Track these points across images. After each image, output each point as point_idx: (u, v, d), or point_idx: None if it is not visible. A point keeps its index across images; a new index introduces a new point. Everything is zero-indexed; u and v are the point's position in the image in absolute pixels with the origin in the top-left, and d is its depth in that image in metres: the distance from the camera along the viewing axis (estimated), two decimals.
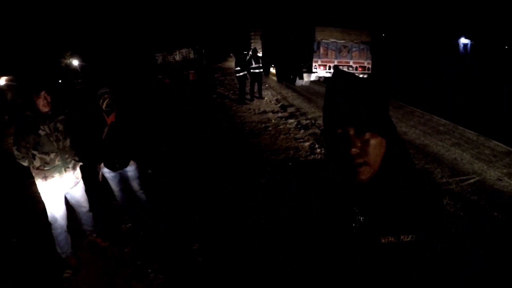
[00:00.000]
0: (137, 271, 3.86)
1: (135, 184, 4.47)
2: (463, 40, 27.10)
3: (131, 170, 4.36)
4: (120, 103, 4.24)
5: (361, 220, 1.16)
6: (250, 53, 13.80)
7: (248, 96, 13.49)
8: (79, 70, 24.57)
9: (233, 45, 29.26)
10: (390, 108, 1.21)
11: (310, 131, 8.55)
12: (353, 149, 1.08)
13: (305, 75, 15.23)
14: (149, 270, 3.84)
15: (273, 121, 9.82)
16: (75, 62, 26.28)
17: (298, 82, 15.96)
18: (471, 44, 26.83)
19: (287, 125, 9.17)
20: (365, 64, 15.15)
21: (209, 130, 9.09)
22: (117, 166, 4.24)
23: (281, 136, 8.22)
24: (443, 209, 1.30)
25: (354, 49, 14.78)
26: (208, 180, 5.98)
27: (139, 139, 4.42)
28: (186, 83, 16.78)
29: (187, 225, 4.69)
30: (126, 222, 4.73)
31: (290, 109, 11.32)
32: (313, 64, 14.64)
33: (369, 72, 15.20)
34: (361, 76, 14.71)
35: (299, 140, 7.81)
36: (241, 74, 13.15)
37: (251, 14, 29.64)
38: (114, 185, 4.43)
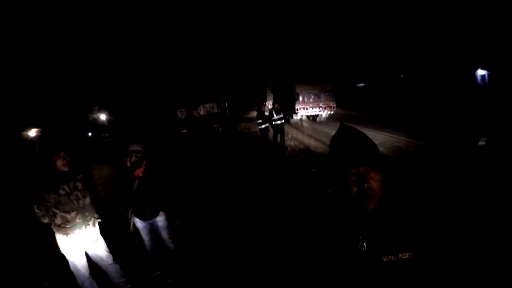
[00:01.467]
0: None
1: (164, 234, 4.76)
2: (480, 72, 27.24)
3: (160, 220, 4.67)
4: (148, 157, 4.56)
5: (365, 245, 1.47)
6: (270, 105, 14.32)
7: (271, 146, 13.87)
8: (107, 124, 25.63)
9: (252, 99, 31.84)
10: None
11: None
12: (366, 185, 1.45)
13: (294, 115, 22.40)
14: None
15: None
16: (103, 117, 27.34)
17: (291, 120, 23.27)
18: (488, 75, 26.86)
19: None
20: (331, 105, 21.75)
21: (233, 182, 9.36)
22: (147, 216, 4.55)
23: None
24: (439, 227, 1.59)
25: (322, 95, 21.50)
26: (233, 232, 6.22)
27: (167, 191, 4.74)
28: (211, 135, 17.40)
29: (213, 272, 4.88)
30: (155, 270, 4.94)
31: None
32: (296, 108, 21.46)
33: (334, 109, 21.97)
34: (328, 112, 20.53)
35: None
36: (263, 126, 13.55)
37: (264, 76, 34.24)
38: (144, 234, 4.71)
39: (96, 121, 27.16)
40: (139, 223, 4.63)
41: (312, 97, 21.36)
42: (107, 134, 21.18)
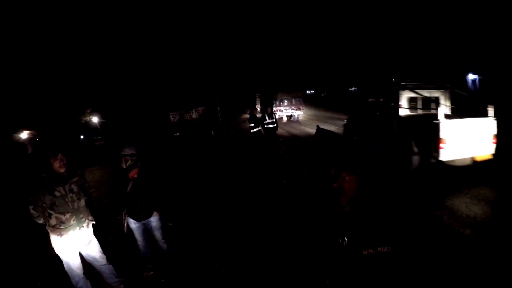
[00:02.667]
0: None
1: (157, 234, 4.85)
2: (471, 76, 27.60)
3: (154, 221, 4.76)
4: (142, 160, 4.65)
5: (346, 239, 1.59)
6: (262, 109, 14.33)
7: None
8: (99, 127, 25.53)
9: (252, 99, 33.03)
10: None
11: None
12: (335, 184, 1.58)
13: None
14: None
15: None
16: (95, 119, 27.21)
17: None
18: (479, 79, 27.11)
19: None
20: (300, 107, 26.73)
21: (229, 185, 9.42)
22: (141, 216, 4.64)
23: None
24: (418, 223, 1.73)
25: (293, 100, 26.49)
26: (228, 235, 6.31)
27: (161, 193, 4.85)
28: (204, 139, 17.48)
29: (206, 273, 4.97)
30: (148, 270, 5.02)
31: None
32: (274, 109, 25.02)
33: (303, 110, 27.11)
34: (299, 113, 25.18)
35: None
36: (255, 130, 13.56)
37: (264, 76, 36.56)
38: (138, 235, 4.80)
39: (88, 124, 27.01)
40: (133, 224, 4.71)
41: (286, 101, 26.82)
42: (99, 137, 21.12)
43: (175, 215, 7.09)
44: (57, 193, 3.85)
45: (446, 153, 7.80)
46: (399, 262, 1.69)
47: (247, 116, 18.74)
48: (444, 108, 8.89)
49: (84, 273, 4.24)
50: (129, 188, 4.54)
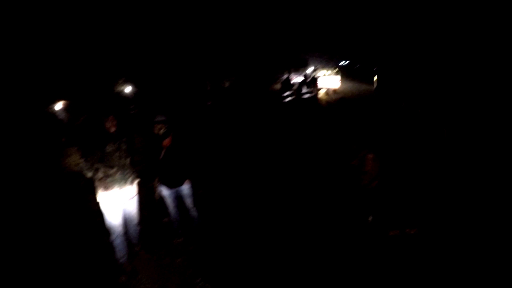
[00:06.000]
0: (188, 280, 4.27)
1: (188, 202, 4.95)
2: None
3: (186, 188, 4.84)
4: (175, 128, 4.74)
5: (370, 219, 1.55)
6: (301, 79, 13.91)
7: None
8: (132, 96, 25.86)
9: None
10: None
11: None
12: (355, 161, 1.54)
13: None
14: (199, 279, 4.23)
15: None
16: (129, 89, 27.61)
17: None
18: None
19: None
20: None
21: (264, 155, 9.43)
22: (173, 184, 4.74)
23: None
24: (449, 206, 1.67)
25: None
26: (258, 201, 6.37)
27: (193, 161, 4.92)
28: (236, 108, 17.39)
29: (234, 240, 5.07)
30: (178, 236, 5.14)
31: None
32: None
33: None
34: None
35: None
36: (288, 99, 13.29)
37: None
38: (169, 202, 4.90)
39: (121, 94, 27.48)
40: (164, 191, 4.82)
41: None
42: (132, 106, 21.45)
43: (206, 182, 7.20)
44: (107, 149, 4.19)
45: None
46: (426, 245, 1.61)
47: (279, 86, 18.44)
48: None
49: (123, 233, 4.47)
50: (161, 156, 4.62)
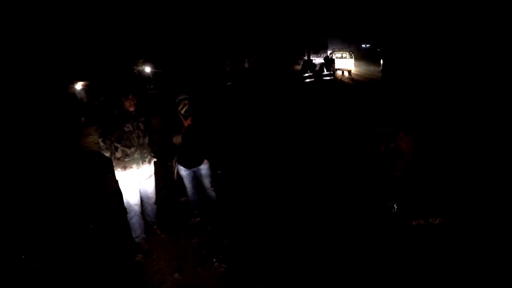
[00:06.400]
0: (203, 260, 4.26)
1: (206, 182, 4.90)
2: None
3: (204, 168, 4.80)
4: (196, 108, 4.66)
5: (395, 207, 1.45)
6: (323, 60, 13.63)
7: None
8: (151, 76, 25.92)
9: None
10: None
11: None
12: (392, 145, 1.42)
13: None
14: (214, 260, 4.23)
15: None
16: (148, 69, 27.60)
17: None
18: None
19: None
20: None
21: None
22: (192, 164, 4.70)
23: None
24: (471, 195, 1.55)
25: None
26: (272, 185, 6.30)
27: (212, 140, 4.87)
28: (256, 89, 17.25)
29: (250, 223, 5.04)
30: (195, 216, 5.14)
31: None
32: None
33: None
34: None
35: None
36: (308, 80, 13.08)
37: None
38: (187, 182, 4.88)
39: (141, 74, 27.51)
40: (183, 171, 4.79)
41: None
42: (151, 86, 21.49)
43: (224, 163, 7.16)
44: (126, 128, 4.22)
45: None
46: (451, 235, 1.50)
47: (299, 67, 18.05)
48: None
49: (140, 212, 4.52)
50: (181, 135, 4.56)
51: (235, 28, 29.76)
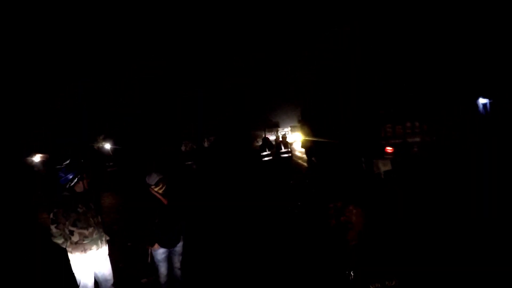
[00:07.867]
0: None
1: (176, 261, 4.83)
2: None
3: (179, 246, 4.79)
4: (171, 187, 4.73)
5: (352, 274, 1.68)
6: (280, 139, 14.20)
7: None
8: (111, 153, 25.65)
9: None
10: None
11: None
12: (343, 218, 1.69)
13: None
14: None
15: None
16: (108, 146, 27.41)
17: None
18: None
19: None
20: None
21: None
22: (174, 242, 4.67)
23: None
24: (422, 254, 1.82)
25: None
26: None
27: (185, 216, 4.92)
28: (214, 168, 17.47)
29: None
30: None
31: None
32: None
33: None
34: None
35: None
36: (267, 158, 13.58)
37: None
38: (162, 262, 4.70)
39: (100, 150, 27.23)
40: (160, 252, 4.64)
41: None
42: (111, 163, 21.22)
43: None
44: (79, 210, 4.09)
45: None
46: None
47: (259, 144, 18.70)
48: None
49: None
50: (159, 216, 4.52)
51: (194, 108, 30.52)
